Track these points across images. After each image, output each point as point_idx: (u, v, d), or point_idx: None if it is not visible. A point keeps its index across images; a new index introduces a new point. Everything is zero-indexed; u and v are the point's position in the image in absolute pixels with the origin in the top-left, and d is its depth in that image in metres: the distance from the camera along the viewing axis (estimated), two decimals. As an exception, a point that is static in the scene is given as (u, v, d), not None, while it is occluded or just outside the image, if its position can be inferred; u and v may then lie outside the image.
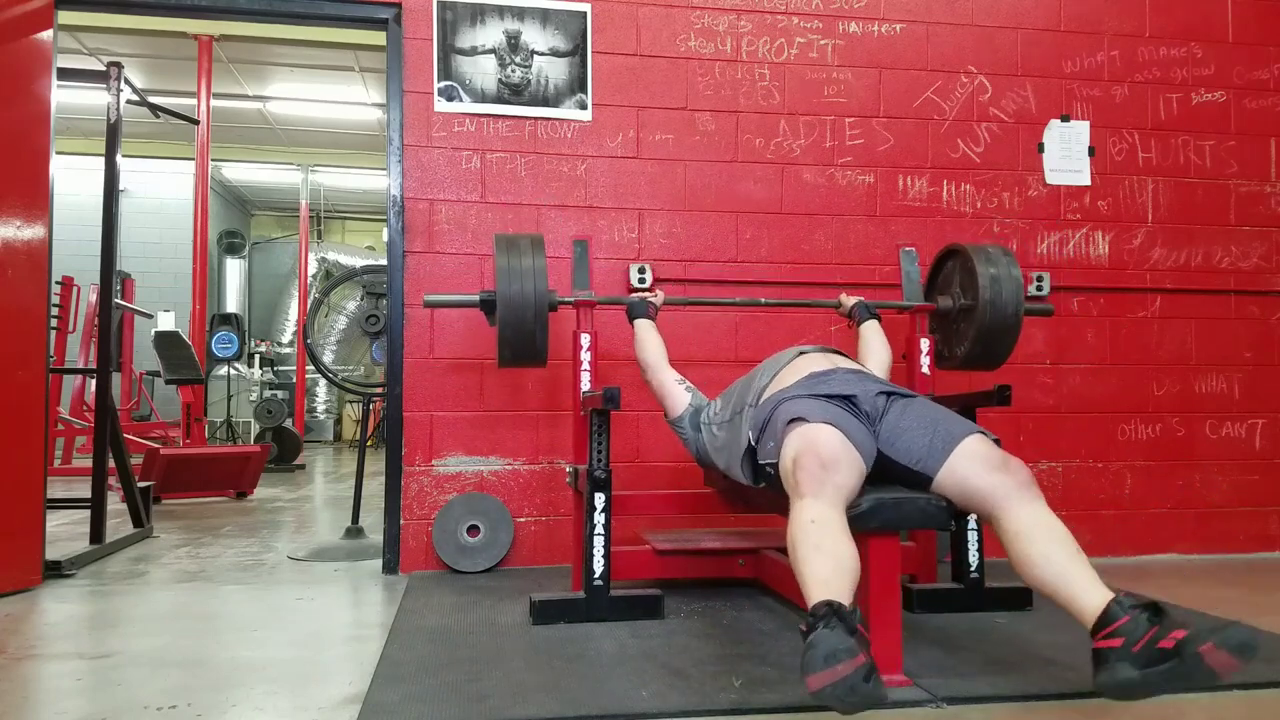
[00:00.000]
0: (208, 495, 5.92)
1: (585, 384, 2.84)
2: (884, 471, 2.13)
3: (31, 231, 3.08)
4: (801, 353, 2.47)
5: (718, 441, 2.55)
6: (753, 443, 2.26)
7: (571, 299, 3.00)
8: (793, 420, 2.07)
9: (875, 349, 2.85)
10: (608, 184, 3.48)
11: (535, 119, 3.45)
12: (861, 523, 1.98)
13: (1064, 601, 1.79)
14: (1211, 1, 3.87)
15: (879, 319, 2.97)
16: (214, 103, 8.72)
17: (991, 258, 2.94)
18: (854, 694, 1.58)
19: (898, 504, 2.01)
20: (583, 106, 3.47)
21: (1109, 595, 1.72)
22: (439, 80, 3.39)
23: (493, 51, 3.42)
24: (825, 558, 1.78)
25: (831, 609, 1.67)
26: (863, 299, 3.04)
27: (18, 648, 2.33)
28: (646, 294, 3.07)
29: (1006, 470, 1.96)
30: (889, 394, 2.24)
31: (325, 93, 10.58)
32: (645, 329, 2.89)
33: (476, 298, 2.89)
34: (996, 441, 2.10)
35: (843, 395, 2.20)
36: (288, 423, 9.42)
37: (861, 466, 2.00)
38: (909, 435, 2.11)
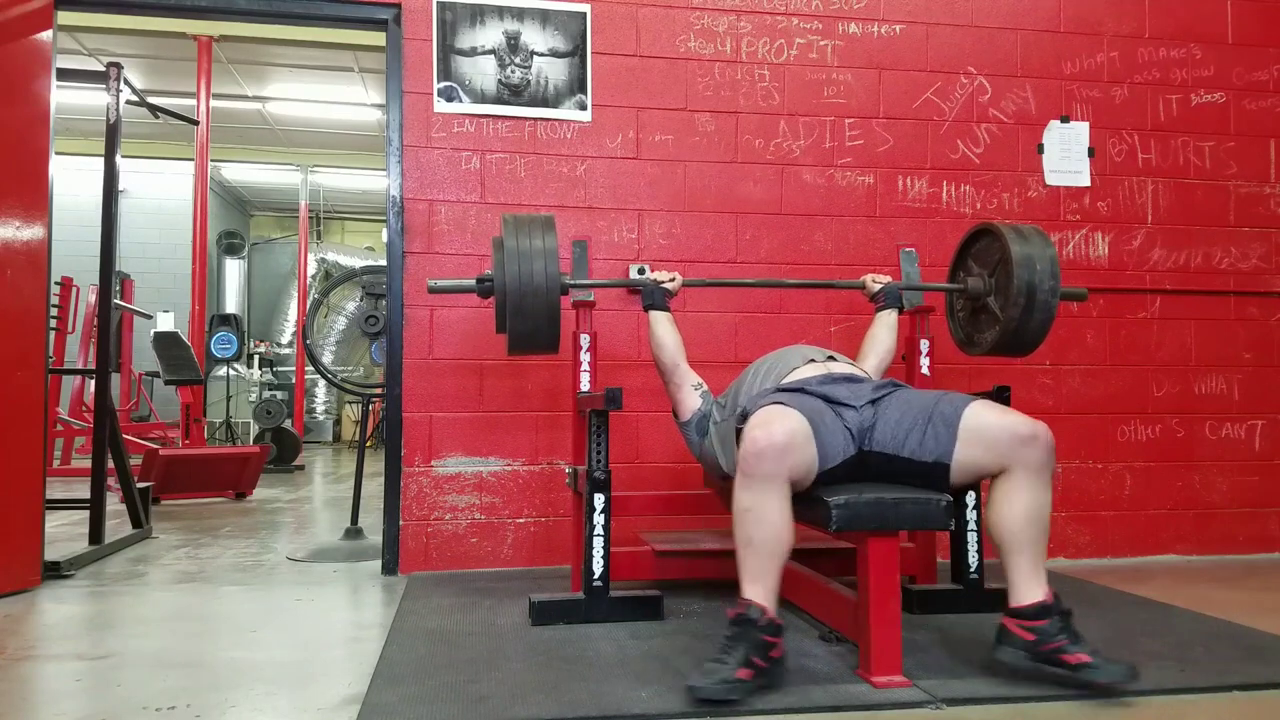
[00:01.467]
0: (207, 496, 5.92)
1: (585, 385, 2.84)
2: (896, 473, 2.14)
3: (31, 232, 3.07)
4: (809, 359, 2.48)
5: (721, 441, 2.55)
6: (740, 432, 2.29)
7: (583, 282, 2.89)
8: (771, 403, 2.14)
9: (881, 339, 2.80)
10: (607, 184, 3.48)
11: (535, 119, 3.45)
12: (860, 523, 1.99)
13: (1008, 572, 2.06)
14: (1211, 2, 3.87)
15: (901, 310, 2.90)
16: (213, 103, 8.72)
17: (1026, 237, 2.73)
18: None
19: (897, 504, 2.01)
20: (582, 107, 3.47)
21: (1046, 593, 2.00)
22: (438, 81, 3.39)
23: (492, 52, 3.42)
24: (753, 554, 2.01)
25: (745, 620, 1.96)
26: (893, 282, 2.92)
27: (17, 648, 2.33)
28: (661, 276, 2.80)
29: (1035, 445, 2.08)
30: (877, 399, 2.24)
31: (325, 93, 10.57)
32: (661, 322, 2.70)
33: (476, 283, 2.67)
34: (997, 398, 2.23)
35: (837, 402, 2.22)
36: (287, 423, 9.42)
37: (814, 462, 2.06)
38: (914, 432, 2.14)
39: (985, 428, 2.09)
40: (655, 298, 2.74)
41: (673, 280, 2.79)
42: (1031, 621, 1.98)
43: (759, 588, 1.99)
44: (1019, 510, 2.05)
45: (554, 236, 2.60)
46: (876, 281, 2.94)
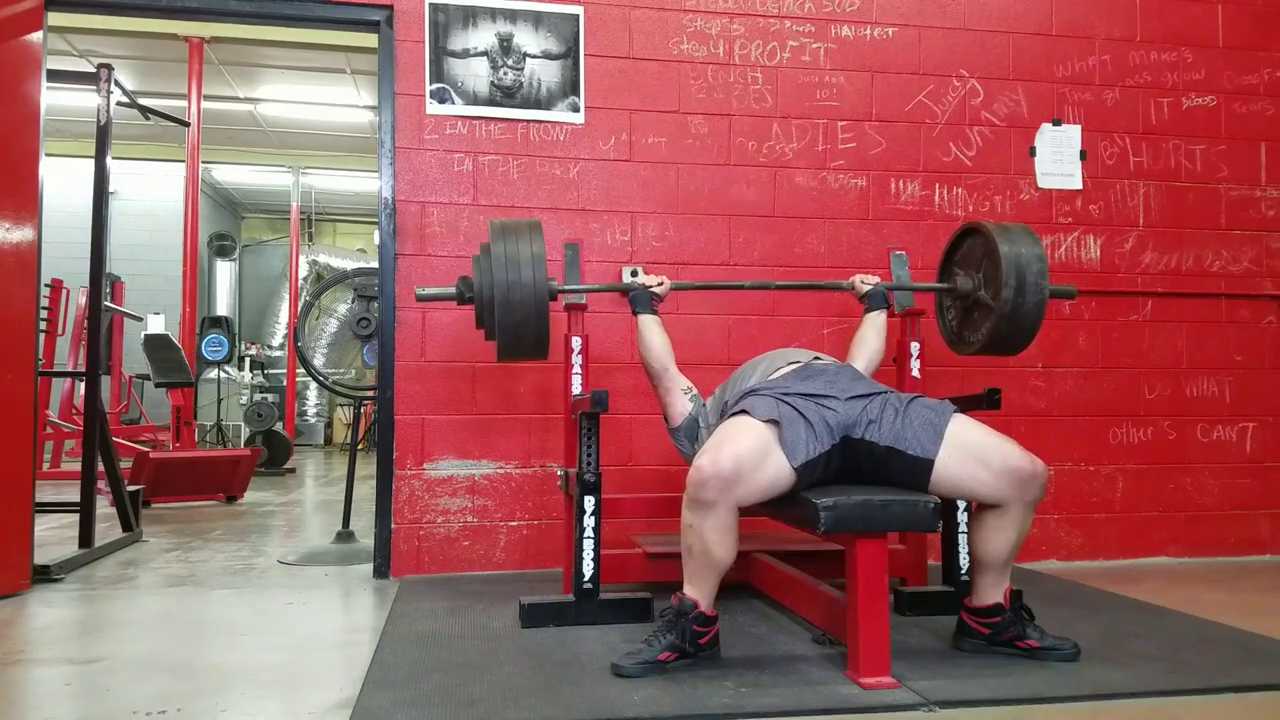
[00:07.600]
0: (197, 499, 5.89)
1: (576, 387, 2.83)
2: (879, 463, 2.15)
3: (20, 234, 3.06)
4: (792, 361, 2.47)
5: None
6: None
7: (571, 287, 2.85)
8: (735, 414, 2.19)
9: (869, 340, 2.78)
10: (600, 187, 3.48)
11: (527, 121, 3.45)
12: (848, 525, 1.99)
13: (976, 576, 2.26)
14: (1201, 6, 3.88)
15: (890, 312, 2.88)
16: (204, 105, 8.69)
17: (1014, 236, 2.71)
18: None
19: (885, 505, 2.01)
20: (575, 109, 3.46)
21: (1004, 595, 2.23)
22: (431, 82, 3.39)
23: (485, 54, 3.42)
24: (692, 561, 2.12)
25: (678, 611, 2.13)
26: (881, 283, 2.90)
27: (5, 653, 2.32)
28: (649, 281, 2.80)
29: (1035, 484, 2.12)
30: (870, 395, 2.24)
31: (316, 95, 10.55)
32: (649, 325, 2.68)
33: (455, 290, 2.67)
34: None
35: (815, 395, 2.22)
36: (278, 426, 9.37)
37: (779, 472, 2.07)
38: (898, 421, 2.16)
39: (976, 446, 2.11)
40: (642, 302, 2.73)
41: (660, 284, 2.78)
42: (988, 619, 2.24)
43: (695, 588, 2.14)
44: (1006, 542, 2.17)
45: (541, 241, 2.57)
46: (865, 282, 2.92)
